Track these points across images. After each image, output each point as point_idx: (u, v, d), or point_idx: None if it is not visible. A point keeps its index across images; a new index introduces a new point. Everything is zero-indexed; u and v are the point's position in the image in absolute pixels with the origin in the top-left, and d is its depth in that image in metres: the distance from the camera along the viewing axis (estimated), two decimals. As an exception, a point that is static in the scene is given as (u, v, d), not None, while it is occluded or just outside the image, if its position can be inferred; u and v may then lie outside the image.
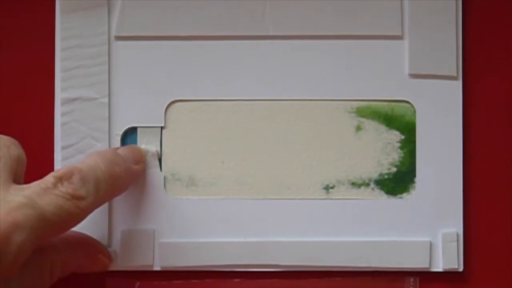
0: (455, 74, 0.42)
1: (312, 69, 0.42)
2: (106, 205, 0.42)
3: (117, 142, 0.42)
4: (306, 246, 0.42)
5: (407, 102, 0.43)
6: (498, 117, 0.43)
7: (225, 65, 0.43)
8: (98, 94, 0.42)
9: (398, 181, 0.42)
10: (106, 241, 0.42)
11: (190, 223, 0.42)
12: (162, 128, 0.43)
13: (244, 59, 0.43)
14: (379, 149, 0.43)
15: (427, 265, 0.42)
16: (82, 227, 0.41)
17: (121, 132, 0.43)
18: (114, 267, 0.42)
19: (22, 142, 0.38)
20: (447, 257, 0.42)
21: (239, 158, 0.43)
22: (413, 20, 0.42)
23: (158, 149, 0.43)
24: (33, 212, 0.34)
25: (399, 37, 0.42)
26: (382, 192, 0.42)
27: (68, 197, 0.35)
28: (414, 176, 0.42)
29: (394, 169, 0.43)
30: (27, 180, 0.36)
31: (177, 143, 0.43)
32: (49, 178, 0.36)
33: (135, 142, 0.43)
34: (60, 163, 0.42)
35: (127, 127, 0.43)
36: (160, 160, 0.43)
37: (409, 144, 0.43)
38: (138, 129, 0.43)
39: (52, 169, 0.42)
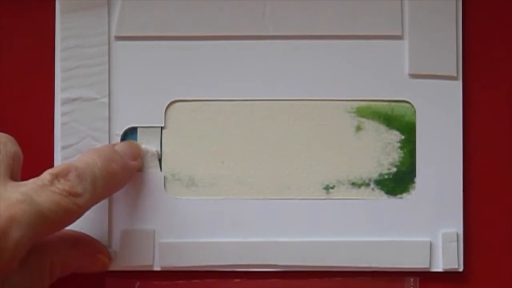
0: (455, 74, 0.42)
1: (312, 69, 0.42)
2: (106, 205, 0.42)
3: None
4: (306, 246, 0.42)
5: (407, 102, 0.43)
6: (498, 117, 0.43)
7: (225, 65, 0.43)
8: (98, 94, 0.42)
9: (398, 181, 0.42)
10: (106, 241, 0.42)
11: (190, 223, 0.42)
12: (162, 128, 0.43)
13: (244, 59, 0.43)
14: (379, 149, 0.43)
15: (427, 265, 0.42)
16: (82, 227, 0.41)
17: (121, 132, 0.43)
18: (114, 267, 0.42)
19: (22, 142, 0.38)
20: (447, 257, 0.42)
21: (239, 158, 0.43)
22: (413, 20, 0.42)
23: (158, 149, 0.43)
24: (30, 209, 0.34)
25: (399, 37, 0.42)
26: (382, 192, 0.42)
27: (65, 194, 0.36)
28: (414, 176, 0.42)
29: (394, 169, 0.43)
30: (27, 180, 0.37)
31: (177, 143, 0.43)
32: (45, 175, 0.36)
33: (135, 142, 0.43)
34: (60, 163, 0.42)
35: (127, 127, 0.43)
36: (160, 160, 0.43)
37: (409, 144, 0.43)
38: (138, 129, 0.43)
39: (51, 169, 0.42)
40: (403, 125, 0.43)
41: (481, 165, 0.43)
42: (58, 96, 0.42)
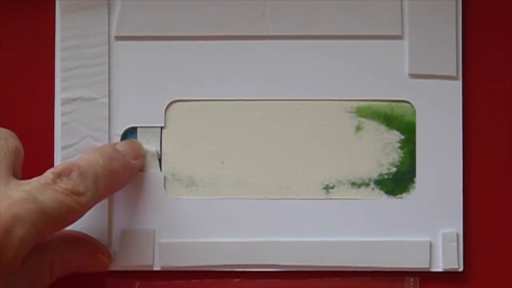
0: (455, 74, 0.42)
1: (312, 69, 0.42)
2: (106, 205, 0.42)
3: (117, 142, 0.43)
4: (306, 246, 0.42)
5: (407, 102, 0.43)
6: (498, 117, 0.43)
7: (225, 65, 0.43)
8: (98, 94, 0.42)
9: (398, 181, 0.42)
10: (106, 241, 0.42)
11: (190, 223, 0.42)
12: (162, 128, 0.43)
13: (244, 59, 0.43)
14: (379, 149, 0.43)
15: (427, 265, 0.42)
16: (82, 227, 0.41)
17: (121, 132, 0.43)
18: (114, 267, 0.42)
19: (22, 142, 0.38)
20: (447, 257, 0.42)
21: (239, 158, 0.43)
22: (413, 20, 0.42)
23: (158, 149, 0.43)
24: (33, 207, 0.34)
25: (399, 37, 0.42)
26: (382, 192, 0.42)
27: (68, 192, 0.36)
28: (414, 176, 0.42)
29: (394, 169, 0.43)
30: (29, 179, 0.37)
31: (177, 143, 0.43)
32: (48, 174, 0.36)
33: (135, 142, 0.43)
34: (60, 163, 0.42)
35: (127, 127, 0.43)
36: (160, 160, 0.43)
37: (409, 144, 0.43)
38: (138, 129, 0.43)
39: (52, 169, 0.42)
40: (403, 125, 0.43)
41: (481, 165, 0.43)
42: (58, 96, 0.42)
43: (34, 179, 0.36)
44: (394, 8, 0.42)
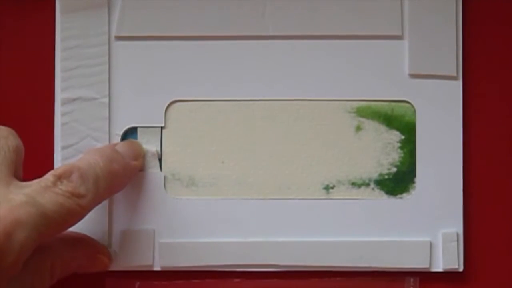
0: (455, 74, 0.42)
1: (312, 69, 0.42)
2: (106, 205, 0.42)
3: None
4: (306, 246, 0.42)
5: (407, 102, 0.43)
6: (498, 117, 0.43)
7: (225, 65, 0.43)
8: (98, 94, 0.42)
9: (398, 181, 0.42)
10: (106, 241, 0.42)
11: (190, 223, 0.42)
12: (162, 128, 0.43)
13: (244, 59, 0.43)
14: (379, 149, 0.43)
15: (427, 265, 0.42)
16: (82, 228, 0.41)
17: (121, 132, 0.43)
18: (114, 267, 0.42)
19: (22, 143, 0.38)
20: (447, 257, 0.42)
21: (239, 158, 0.43)
22: (413, 20, 0.42)
23: (158, 149, 0.43)
24: (34, 210, 0.34)
25: (399, 37, 0.42)
26: (382, 192, 0.42)
27: (68, 195, 0.36)
28: (414, 176, 0.42)
29: (394, 169, 0.43)
30: (27, 181, 0.36)
31: (177, 143, 0.43)
32: (48, 177, 0.36)
33: (135, 142, 0.43)
34: (60, 163, 0.42)
35: (127, 127, 0.43)
36: (160, 160, 0.43)
37: (409, 144, 0.43)
38: (138, 129, 0.43)
39: (52, 169, 0.42)
40: (403, 125, 0.43)
41: (481, 165, 0.43)
42: (58, 96, 0.42)
43: (34, 181, 0.36)
44: (394, 8, 0.42)
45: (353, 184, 0.43)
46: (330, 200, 0.42)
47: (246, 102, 0.43)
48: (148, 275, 0.42)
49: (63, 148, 0.42)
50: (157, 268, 0.42)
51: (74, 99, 0.42)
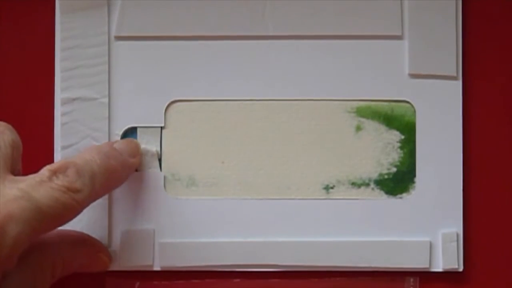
0: (455, 74, 0.42)
1: (312, 69, 0.42)
2: (106, 205, 0.42)
3: (117, 142, 0.43)
4: (306, 246, 0.42)
5: (407, 102, 0.43)
6: (498, 117, 0.43)
7: (225, 65, 0.43)
8: (98, 94, 0.42)
9: (398, 181, 0.42)
10: (106, 241, 0.42)
11: (190, 223, 0.42)
12: (162, 128, 0.43)
13: (244, 59, 0.43)
14: (379, 149, 0.43)
15: (427, 265, 0.42)
16: (82, 227, 0.41)
17: (121, 132, 0.43)
18: (114, 267, 0.42)
19: (22, 143, 0.38)
20: (447, 257, 0.42)
21: (239, 158, 0.43)
22: (413, 20, 0.42)
23: (158, 149, 0.43)
24: (28, 205, 0.34)
25: (399, 37, 0.42)
26: (382, 192, 0.42)
27: (64, 189, 0.35)
28: (414, 176, 0.42)
29: (394, 169, 0.43)
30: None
31: (177, 143, 0.43)
32: (44, 172, 0.36)
33: (135, 142, 0.43)
34: (59, 163, 0.42)
35: (127, 127, 0.43)
36: (160, 160, 0.43)
37: (409, 144, 0.43)
38: (138, 129, 0.43)
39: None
40: (403, 125, 0.43)
41: (481, 165, 0.43)
42: (58, 96, 0.42)
43: (29, 176, 0.36)
44: (394, 8, 0.42)
45: (353, 184, 0.43)
46: (330, 200, 0.42)
47: (246, 102, 0.43)
48: (148, 275, 0.42)
49: (63, 148, 0.42)
50: (157, 268, 0.42)
51: (74, 99, 0.42)
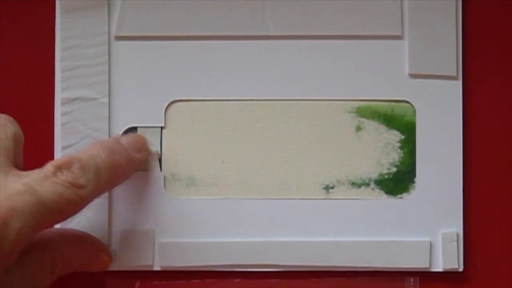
0: (455, 74, 0.42)
1: (312, 69, 0.42)
2: (106, 205, 0.42)
3: (117, 142, 0.42)
4: (306, 246, 0.42)
5: (407, 102, 0.43)
6: (498, 117, 0.43)
7: (225, 65, 0.43)
8: (98, 94, 0.42)
9: (398, 181, 0.42)
10: (106, 241, 0.42)
11: (190, 223, 0.42)
12: (162, 128, 0.43)
13: (244, 59, 0.43)
14: (379, 149, 0.43)
15: (427, 265, 0.42)
16: (83, 227, 0.41)
17: (121, 132, 0.43)
18: (114, 267, 0.42)
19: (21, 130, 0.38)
20: (447, 257, 0.42)
21: (239, 158, 0.43)
22: (413, 20, 0.42)
23: (158, 149, 0.43)
24: (32, 199, 0.34)
25: (399, 37, 0.42)
26: (382, 192, 0.42)
27: (68, 185, 0.35)
28: (414, 176, 0.42)
29: (394, 169, 0.43)
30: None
31: (177, 143, 0.43)
32: (48, 167, 0.36)
33: (135, 142, 0.43)
34: (60, 161, 0.42)
35: (127, 127, 0.43)
36: (160, 160, 0.43)
37: (409, 144, 0.43)
38: (138, 129, 0.43)
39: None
40: (403, 125, 0.43)
41: (481, 165, 0.43)
42: (58, 96, 0.42)
43: (34, 171, 0.36)
44: (394, 8, 0.42)
45: (353, 184, 0.43)
46: (330, 200, 0.42)
47: (246, 102, 0.43)
48: (148, 275, 0.42)
49: (63, 148, 0.42)
50: (157, 268, 0.42)
51: (74, 99, 0.42)
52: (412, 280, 0.42)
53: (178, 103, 0.43)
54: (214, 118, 0.43)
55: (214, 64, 0.43)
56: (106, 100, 0.42)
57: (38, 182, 0.35)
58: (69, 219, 0.38)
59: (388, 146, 0.43)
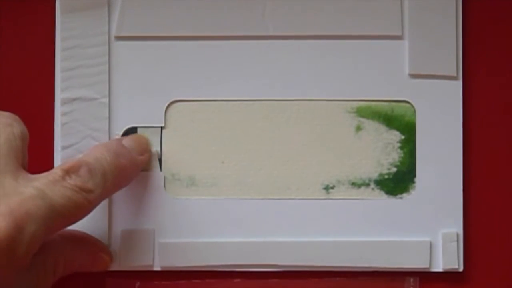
0: (455, 74, 0.42)
1: (312, 69, 0.42)
2: (106, 205, 0.42)
3: (117, 142, 0.42)
4: (306, 246, 0.42)
5: (407, 102, 0.43)
6: (498, 117, 0.43)
7: (225, 65, 0.43)
8: (98, 94, 0.42)
9: (398, 181, 0.42)
10: (106, 241, 0.42)
11: (190, 223, 0.42)
12: (162, 128, 0.43)
13: (244, 59, 0.43)
14: (379, 149, 0.43)
15: (427, 265, 0.42)
16: (83, 227, 0.41)
17: (121, 132, 0.43)
18: (114, 267, 0.42)
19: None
20: (447, 257, 0.42)
21: (239, 158, 0.43)
22: (413, 20, 0.42)
23: (158, 149, 0.43)
24: (44, 203, 0.34)
25: (399, 37, 0.42)
26: (382, 192, 0.42)
27: (77, 189, 0.36)
28: (414, 176, 0.42)
29: (394, 169, 0.43)
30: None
31: (177, 143, 0.43)
32: (57, 171, 0.36)
33: (135, 142, 0.43)
34: (60, 163, 0.42)
35: (127, 127, 0.43)
36: (160, 160, 0.43)
37: (409, 144, 0.43)
38: (138, 129, 0.43)
39: (53, 168, 0.42)
40: (403, 125, 0.43)
41: (481, 165, 0.43)
42: (58, 96, 0.42)
43: (42, 174, 0.36)
44: (394, 8, 0.42)
45: (353, 184, 0.43)
46: (330, 200, 0.42)
47: (246, 102, 0.43)
48: (148, 275, 0.42)
49: (63, 148, 0.42)
50: (157, 268, 0.42)
51: (74, 99, 0.42)
52: (412, 280, 0.42)
53: (178, 103, 0.43)
54: (214, 118, 0.43)
55: (214, 64, 0.43)
56: (106, 100, 0.42)
57: (48, 186, 0.35)
58: (69, 219, 0.38)
59: (388, 146, 0.43)
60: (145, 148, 0.42)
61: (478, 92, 0.43)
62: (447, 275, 0.42)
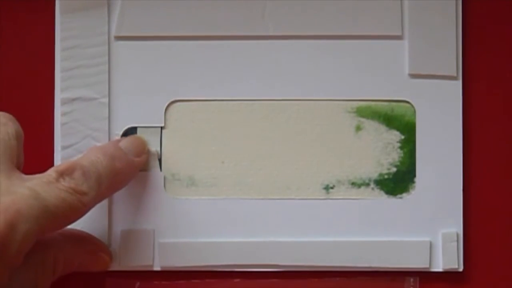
0: (455, 74, 0.42)
1: (312, 69, 0.42)
2: (106, 205, 0.42)
3: (117, 142, 0.42)
4: (306, 246, 0.42)
5: (407, 102, 0.43)
6: (498, 117, 0.43)
7: (225, 65, 0.43)
8: (98, 94, 0.42)
9: (398, 181, 0.42)
10: (106, 241, 0.42)
11: (190, 223, 0.42)
12: (162, 128, 0.43)
13: (244, 59, 0.43)
14: (379, 149, 0.43)
15: (427, 265, 0.42)
16: (83, 227, 0.41)
17: (121, 132, 0.43)
18: (114, 267, 0.42)
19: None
20: (447, 257, 0.42)
21: (239, 158, 0.43)
22: (413, 20, 0.42)
23: (158, 149, 0.43)
24: (37, 203, 0.34)
25: (399, 37, 0.42)
26: (382, 192, 0.42)
27: (71, 191, 0.36)
28: (414, 176, 0.42)
29: (394, 169, 0.43)
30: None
31: (177, 143, 0.43)
32: (51, 173, 0.36)
33: (135, 142, 0.43)
34: (60, 163, 0.42)
35: (127, 127, 0.43)
36: (160, 160, 0.43)
37: (409, 144, 0.43)
38: (138, 129, 0.43)
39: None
40: (403, 125, 0.43)
41: (481, 165, 0.43)
42: (58, 96, 0.42)
43: (36, 176, 0.36)
44: (394, 8, 0.42)
45: (353, 184, 0.43)
46: (330, 200, 0.42)
47: (246, 102, 0.43)
48: (148, 275, 0.42)
49: (63, 148, 0.42)
50: (157, 268, 0.42)
51: (74, 99, 0.42)
52: (412, 280, 0.42)
53: (178, 103, 0.43)
54: (214, 118, 0.43)
55: (214, 64, 0.43)
56: (106, 100, 0.42)
57: (42, 186, 0.35)
58: (69, 219, 0.38)
59: (388, 146, 0.43)
60: (142, 150, 0.42)
61: (478, 92, 0.43)
62: (447, 275, 0.42)
